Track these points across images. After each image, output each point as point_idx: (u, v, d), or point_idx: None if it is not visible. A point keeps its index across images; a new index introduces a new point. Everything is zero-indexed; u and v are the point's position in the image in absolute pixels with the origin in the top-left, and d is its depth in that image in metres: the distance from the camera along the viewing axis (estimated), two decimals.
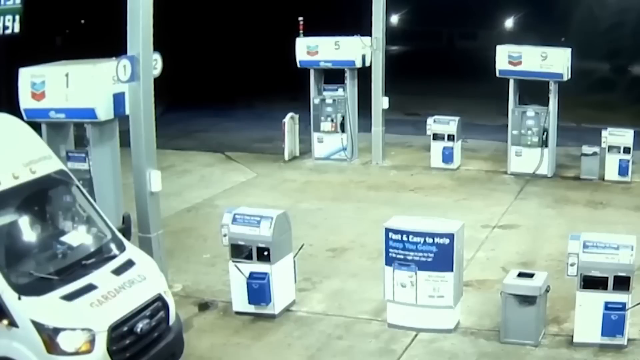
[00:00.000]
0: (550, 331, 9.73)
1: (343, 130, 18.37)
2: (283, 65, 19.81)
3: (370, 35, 17.88)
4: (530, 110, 17.02)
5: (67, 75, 10.53)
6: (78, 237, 8.50)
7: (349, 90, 18.28)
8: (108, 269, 8.19)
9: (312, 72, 18.35)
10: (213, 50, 29.50)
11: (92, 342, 7.51)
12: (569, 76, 16.69)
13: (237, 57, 29.90)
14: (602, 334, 9.20)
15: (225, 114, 24.31)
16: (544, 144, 16.87)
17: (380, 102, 18.00)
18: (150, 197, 10.47)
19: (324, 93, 18.55)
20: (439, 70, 28.82)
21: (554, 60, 16.46)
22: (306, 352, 9.45)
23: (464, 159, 18.14)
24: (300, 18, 18.16)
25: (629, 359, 9.14)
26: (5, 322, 7.40)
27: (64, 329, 7.41)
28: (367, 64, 17.96)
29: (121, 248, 8.56)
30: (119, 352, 7.72)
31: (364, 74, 18.22)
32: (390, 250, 9.64)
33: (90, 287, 7.82)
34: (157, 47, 10.41)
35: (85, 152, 10.84)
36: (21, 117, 9.61)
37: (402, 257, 9.57)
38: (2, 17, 14.05)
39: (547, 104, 16.81)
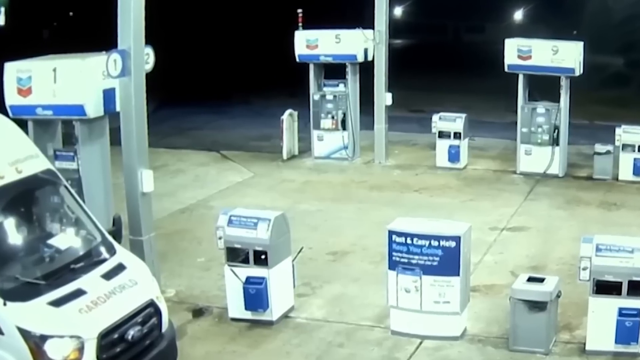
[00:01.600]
0: (562, 338, 9.62)
1: (344, 128, 18.23)
2: (281, 60, 19.70)
3: (373, 28, 17.71)
4: (541, 107, 16.86)
5: (54, 70, 10.48)
6: (66, 239, 8.40)
7: (351, 86, 18.15)
8: (98, 274, 8.09)
9: (311, 67, 18.20)
10: (208, 44, 29.59)
11: (80, 349, 7.40)
12: (581, 71, 16.55)
13: (234, 51, 29.99)
14: (616, 342, 9.08)
15: (220, 110, 24.23)
16: (554, 142, 16.69)
17: (383, 98, 17.88)
18: (142, 198, 10.38)
19: (324, 89, 18.43)
20: (445, 65, 28.95)
21: (566, 55, 16.30)
22: None
23: (471, 157, 18.03)
24: (300, 10, 18.09)
25: None
26: None
27: (52, 336, 7.30)
28: (370, 59, 17.83)
29: (111, 251, 8.46)
30: None
31: (366, 69, 18.08)
32: (394, 253, 9.55)
33: (79, 293, 7.72)
34: (149, 41, 10.30)
35: (74, 151, 10.78)
36: (7, 114, 9.54)
37: (406, 260, 9.49)
38: None
39: (558, 100, 16.66)
